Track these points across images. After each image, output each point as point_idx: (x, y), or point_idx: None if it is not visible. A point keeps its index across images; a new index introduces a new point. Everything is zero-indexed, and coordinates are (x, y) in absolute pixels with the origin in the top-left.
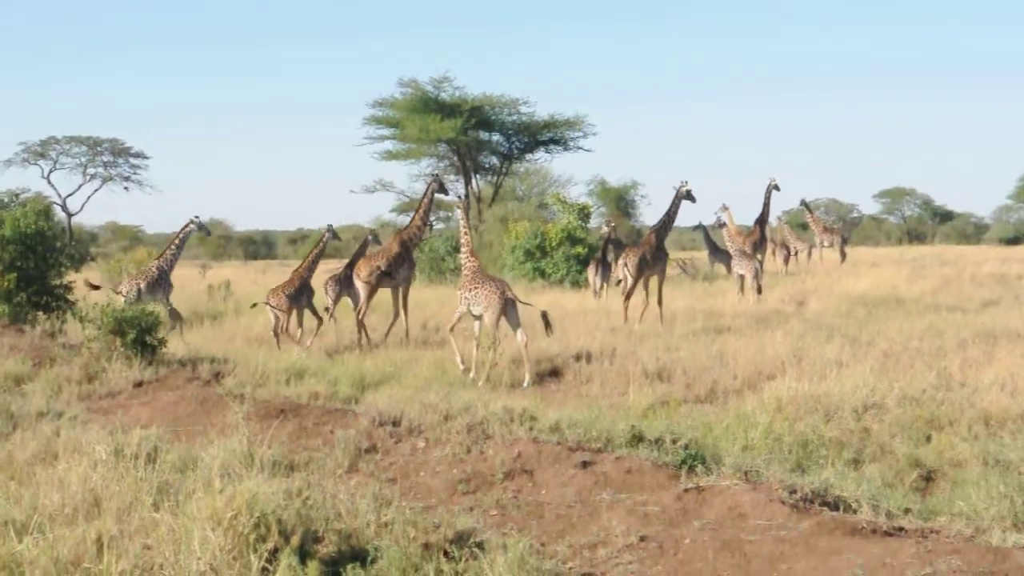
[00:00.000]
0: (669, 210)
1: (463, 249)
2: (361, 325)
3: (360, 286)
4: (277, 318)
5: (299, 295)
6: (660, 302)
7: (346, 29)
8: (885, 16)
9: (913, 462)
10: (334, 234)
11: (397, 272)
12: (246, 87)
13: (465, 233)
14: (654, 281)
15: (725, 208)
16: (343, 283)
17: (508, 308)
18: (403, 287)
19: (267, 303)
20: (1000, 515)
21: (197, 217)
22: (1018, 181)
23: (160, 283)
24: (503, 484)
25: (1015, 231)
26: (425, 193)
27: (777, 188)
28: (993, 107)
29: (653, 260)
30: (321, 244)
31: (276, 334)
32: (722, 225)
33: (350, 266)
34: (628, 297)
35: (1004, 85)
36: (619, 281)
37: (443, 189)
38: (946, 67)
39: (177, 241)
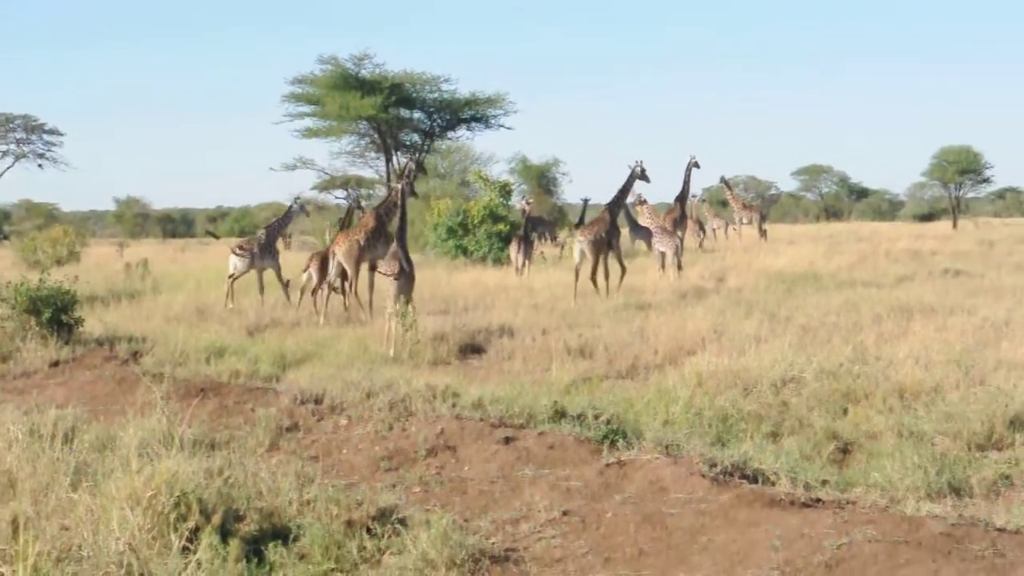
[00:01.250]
0: (622, 188)
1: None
2: (334, 303)
3: (342, 260)
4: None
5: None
6: (620, 274)
7: (266, 6)
8: None
9: (830, 435)
10: (358, 203)
11: (375, 247)
12: (164, 64)
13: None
14: (611, 256)
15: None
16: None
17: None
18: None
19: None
20: (914, 485)
21: (299, 198)
22: (931, 159)
23: (269, 251)
24: (426, 461)
25: (929, 208)
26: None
27: (697, 166)
28: (908, 86)
29: (608, 237)
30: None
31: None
32: (643, 203)
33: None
34: (593, 275)
35: (919, 64)
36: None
37: (422, 168)
38: (862, 46)
39: (282, 217)
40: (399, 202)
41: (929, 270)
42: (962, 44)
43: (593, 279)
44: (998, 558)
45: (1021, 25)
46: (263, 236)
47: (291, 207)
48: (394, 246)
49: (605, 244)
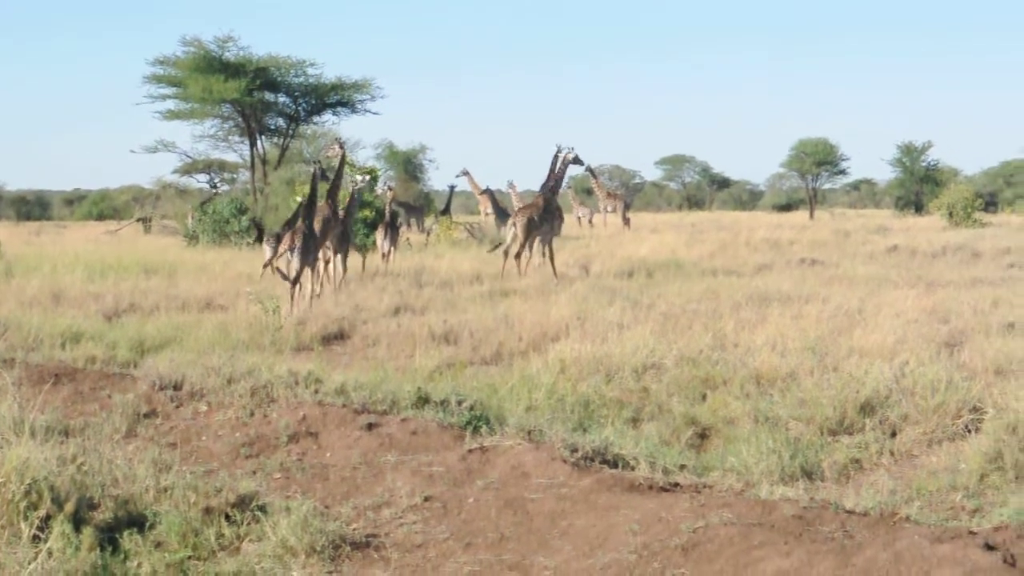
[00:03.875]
0: (556, 175)
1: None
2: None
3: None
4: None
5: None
6: (552, 259)
7: None
8: None
9: (689, 420)
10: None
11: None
12: (18, 41)
13: None
14: (539, 241)
15: (466, 172)
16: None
17: None
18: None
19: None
20: (769, 470)
21: (363, 179)
22: (790, 150)
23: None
24: (287, 447)
25: (787, 198)
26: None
27: (579, 162)
28: (768, 78)
29: (540, 221)
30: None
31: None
32: (512, 187)
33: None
34: (518, 256)
35: (778, 57)
36: (497, 245)
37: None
38: (724, 39)
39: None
40: (312, 185)
41: (787, 259)
42: (819, 37)
43: (517, 258)
44: (847, 539)
45: (877, 20)
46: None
47: (354, 193)
48: (299, 223)
49: (536, 227)
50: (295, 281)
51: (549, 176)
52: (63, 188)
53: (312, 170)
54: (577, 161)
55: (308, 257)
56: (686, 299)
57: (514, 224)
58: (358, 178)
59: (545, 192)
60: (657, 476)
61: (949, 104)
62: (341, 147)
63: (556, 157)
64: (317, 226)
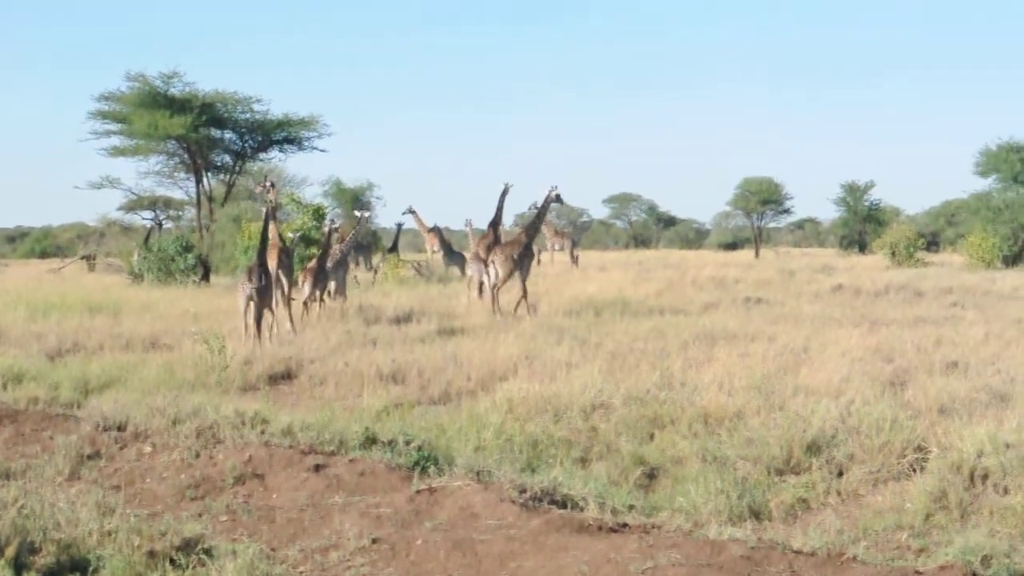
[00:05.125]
0: (539, 212)
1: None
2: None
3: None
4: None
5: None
6: (525, 295)
7: (71, 19)
8: (606, 24)
9: (637, 460)
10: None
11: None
12: None
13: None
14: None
15: (412, 210)
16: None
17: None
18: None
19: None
20: (717, 509)
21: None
22: (735, 189)
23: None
24: (233, 489)
25: (733, 237)
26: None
27: (560, 199)
28: (714, 116)
29: (520, 259)
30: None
31: None
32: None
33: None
34: (496, 291)
35: (724, 94)
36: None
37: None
38: (666, 77)
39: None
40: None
41: (733, 298)
42: (764, 76)
43: (494, 294)
44: None
45: (820, 60)
46: (339, 254)
47: (359, 223)
48: (253, 260)
49: (515, 265)
50: (258, 320)
51: (497, 211)
52: (5, 225)
53: (264, 210)
54: (559, 199)
55: (268, 295)
56: (633, 338)
57: (493, 262)
58: (360, 213)
59: (528, 230)
60: (606, 517)
61: (891, 143)
62: (269, 187)
63: (503, 195)
64: (272, 264)
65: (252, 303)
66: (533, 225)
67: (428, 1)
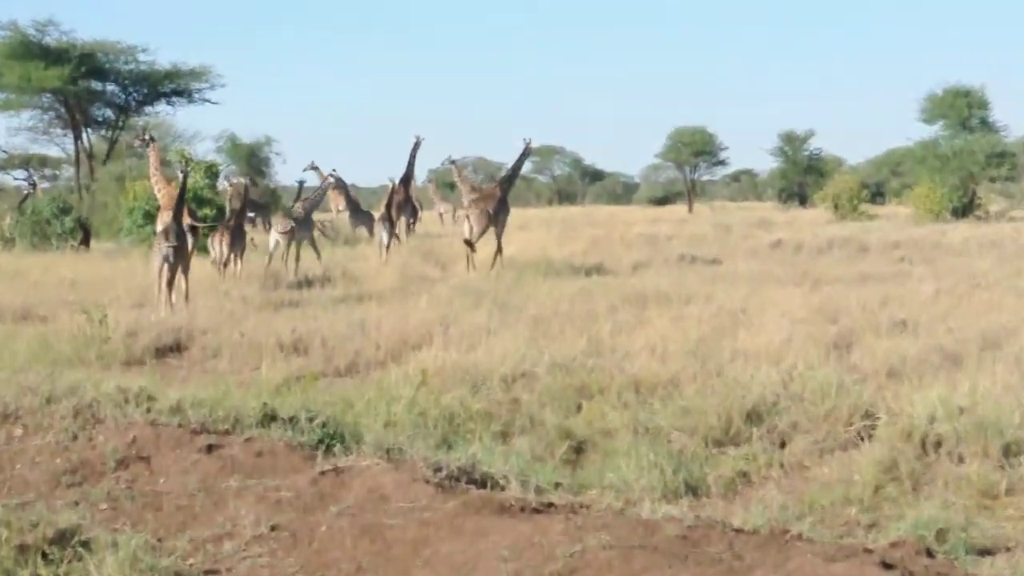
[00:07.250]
0: (514, 166)
1: None
2: None
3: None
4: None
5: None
6: (500, 251)
7: None
8: None
9: (563, 433)
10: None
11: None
12: None
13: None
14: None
15: (315, 166)
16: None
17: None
18: None
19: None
20: (650, 485)
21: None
22: (666, 140)
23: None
24: (115, 474)
25: (664, 191)
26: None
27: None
28: (643, 64)
29: (495, 213)
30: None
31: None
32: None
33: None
34: (471, 245)
35: (654, 42)
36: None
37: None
38: (596, 20)
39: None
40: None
41: (665, 256)
42: (696, 23)
43: (471, 246)
44: (736, 560)
45: (754, 5)
46: (301, 211)
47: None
48: (169, 219)
49: (491, 219)
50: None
51: (408, 167)
52: None
53: (182, 171)
54: (528, 152)
55: (184, 255)
56: (558, 301)
57: (468, 217)
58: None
59: (503, 184)
60: (530, 496)
61: (831, 91)
62: (148, 140)
63: (415, 148)
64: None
65: (167, 264)
66: (508, 179)
67: None
